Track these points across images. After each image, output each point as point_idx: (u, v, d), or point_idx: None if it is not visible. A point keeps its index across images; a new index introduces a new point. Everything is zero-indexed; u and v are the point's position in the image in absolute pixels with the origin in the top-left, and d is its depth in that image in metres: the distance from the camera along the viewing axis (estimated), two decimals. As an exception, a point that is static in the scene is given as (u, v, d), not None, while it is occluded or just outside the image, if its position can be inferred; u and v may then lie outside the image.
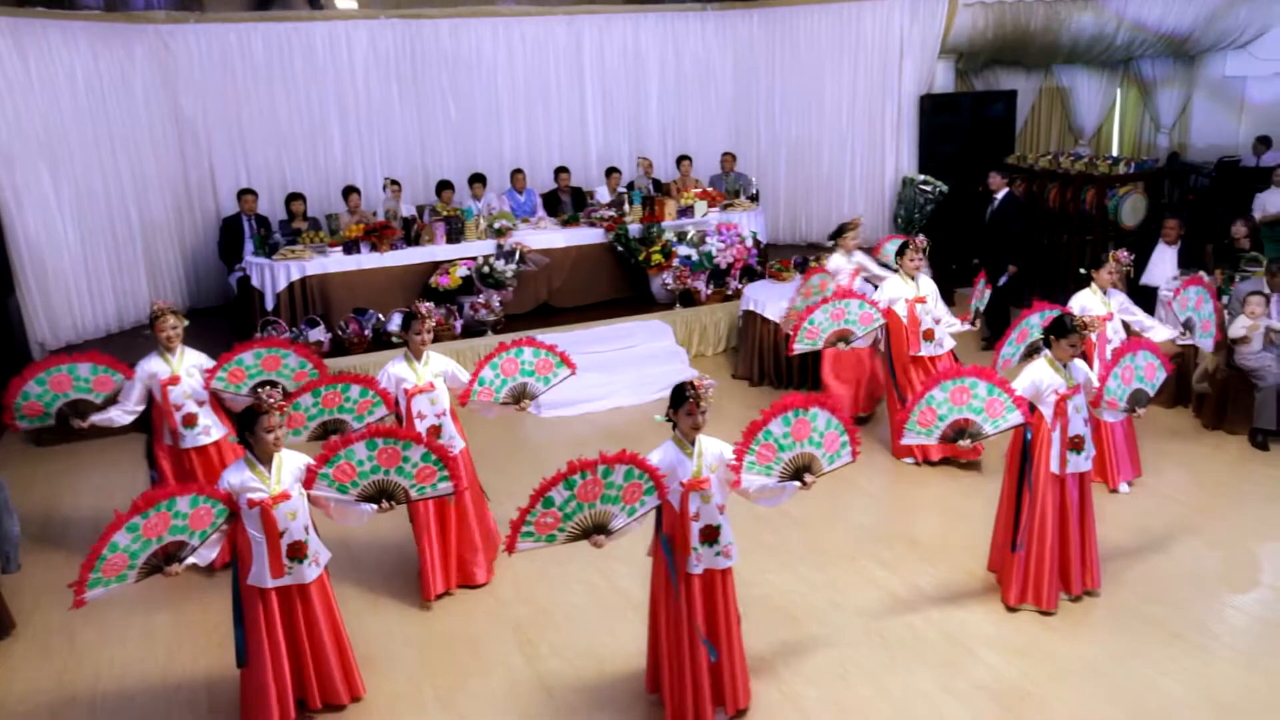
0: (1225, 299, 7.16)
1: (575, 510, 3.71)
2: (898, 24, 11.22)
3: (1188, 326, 6.24)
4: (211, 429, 5.54)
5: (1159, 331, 6.03)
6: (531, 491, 3.67)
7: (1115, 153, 13.18)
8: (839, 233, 7.63)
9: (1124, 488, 6.21)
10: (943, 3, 10.84)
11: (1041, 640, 4.70)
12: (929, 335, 6.55)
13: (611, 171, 10.89)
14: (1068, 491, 4.85)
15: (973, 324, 6.68)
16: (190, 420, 5.48)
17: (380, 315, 8.56)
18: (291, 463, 4.10)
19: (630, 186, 10.65)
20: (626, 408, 8.02)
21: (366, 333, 8.44)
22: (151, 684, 4.67)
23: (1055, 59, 12.36)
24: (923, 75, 11.29)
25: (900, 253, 6.62)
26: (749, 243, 9.72)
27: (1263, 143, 11.98)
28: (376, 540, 5.81)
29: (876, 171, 11.75)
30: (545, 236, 9.49)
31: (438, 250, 9.04)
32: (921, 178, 10.97)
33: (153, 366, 5.43)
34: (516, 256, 8.99)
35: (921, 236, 6.82)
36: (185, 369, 5.46)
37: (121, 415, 5.45)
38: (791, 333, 6.53)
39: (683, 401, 3.85)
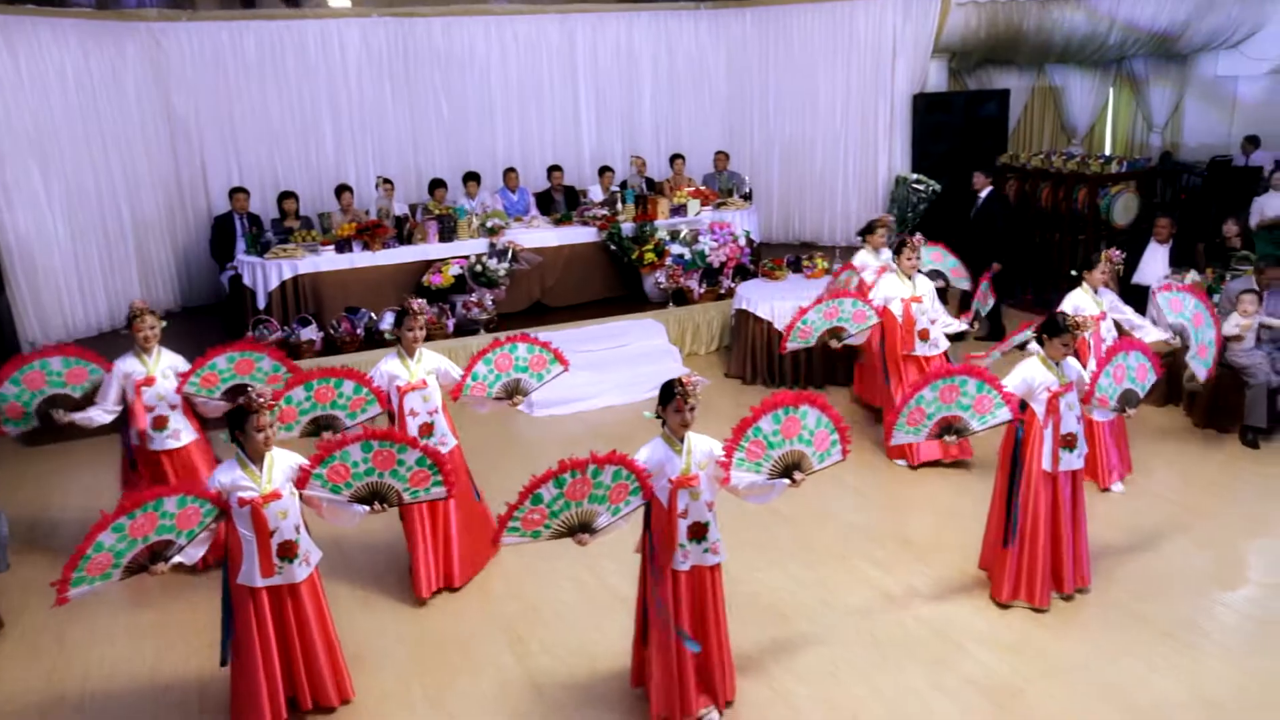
0: (1216, 298, 7.17)
1: (563, 508, 3.72)
2: (891, 23, 11.24)
3: (1179, 334, 6.05)
4: (181, 433, 5.50)
5: (1149, 332, 6.02)
6: (521, 488, 3.67)
7: (1108, 152, 13.21)
8: (868, 229, 7.64)
9: (1118, 487, 6.21)
10: (935, 2, 10.86)
11: (1033, 637, 4.71)
12: (924, 335, 6.54)
13: (605, 170, 10.88)
14: (1060, 489, 4.86)
15: (972, 326, 6.68)
16: (160, 423, 5.44)
17: (372, 314, 8.54)
18: (283, 462, 4.08)
19: (623, 185, 10.63)
20: (619, 406, 8.01)
21: (359, 331, 8.43)
22: (141, 683, 4.65)
23: (1047, 58, 12.38)
24: (916, 74, 11.31)
25: (897, 252, 6.62)
26: (742, 242, 9.72)
27: (1251, 142, 12.02)
28: (367, 539, 5.80)
29: (869, 170, 11.77)
30: (538, 235, 9.48)
31: (430, 249, 9.02)
32: (914, 177, 10.99)
33: (128, 366, 5.39)
34: (509, 255, 8.98)
35: (919, 235, 6.82)
36: (161, 370, 5.42)
37: (101, 415, 5.40)
38: (785, 331, 6.53)
39: (671, 399, 3.85)
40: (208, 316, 9.93)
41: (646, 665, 4.13)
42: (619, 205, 9.85)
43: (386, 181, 10.02)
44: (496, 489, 5.62)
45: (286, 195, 9.78)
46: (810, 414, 4.00)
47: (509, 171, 10.69)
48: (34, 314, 8.76)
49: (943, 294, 6.99)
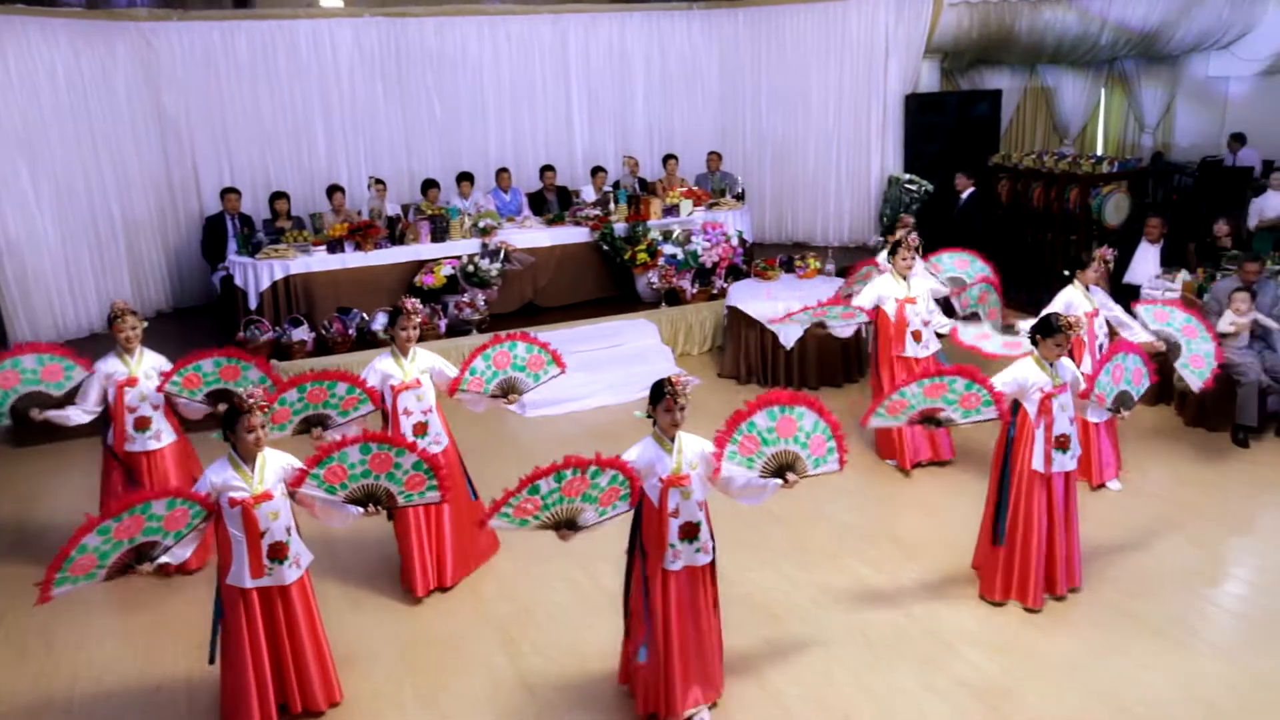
0: (1205, 297, 7.19)
1: (555, 502, 3.71)
2: (883, 23, 11.24)
3: (1166, 340, 5.84)
4: (163, 434, 5.47)
5: (1139, 333, 6.03)
6: (521, 477, 3.66)
7: (1099, 152, 13.24)
8: (888, 229, 7.65)
9: (1114, 484, 6.23)
10: (927, 2, 10.87)
11: (1024, 637, 4.71)
12: (916, 336, 6.53)
13: (597, 170, 10.87)
14: (1053, 490, 4.86)
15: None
16: (143, 424, 5.41)
17: (364, 314, 8.52)
18: (275, 462, 4.06)
19: (616, 185, 10.63)
20: (612, 406, 8.00)
21: (350, 332, 8.41)
22: (130, 685, 4.63)
23: (1039, 59, 12.41)
24: (908, 74, 11.32)
25: (892, 251, 6.62)
26: (734, 241, 9.72)
27: (1237, 139, 12.08)
28: (357, 538, 5.78)
29: (862, 171, 11.77)
30: (530, 235, 9.47)
31: (422, 249, 9.00)
32: (907, 177, 11.00)
33: (110, 367, 5.36)
34: (501, 255, 8.96)
35: (914, 235, 6.83)
36: (143, 371, 5.39)
37: (79, 414, 5.35)
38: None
39: (661, 398, 3.85)
40: (199, 317, 9.90)
41: (632, 662, 4.14)
42: (611, 205, 9.84)
43: (379, 182, 10.01)
44: (489, 489, 5.58)
45: (278, 195, 9.76)
46: (807, 416, 3.99)
47: (501, 172, 10.68)
48: (24, 315, 8.73)
49: (947, 306, 6.97)
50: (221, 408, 5.08)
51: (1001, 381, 4.75)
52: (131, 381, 5.36)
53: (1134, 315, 6.03)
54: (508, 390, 5.21)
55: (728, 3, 12.23)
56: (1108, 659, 4.51)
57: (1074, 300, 6.05)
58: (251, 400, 3.95)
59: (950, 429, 6.05)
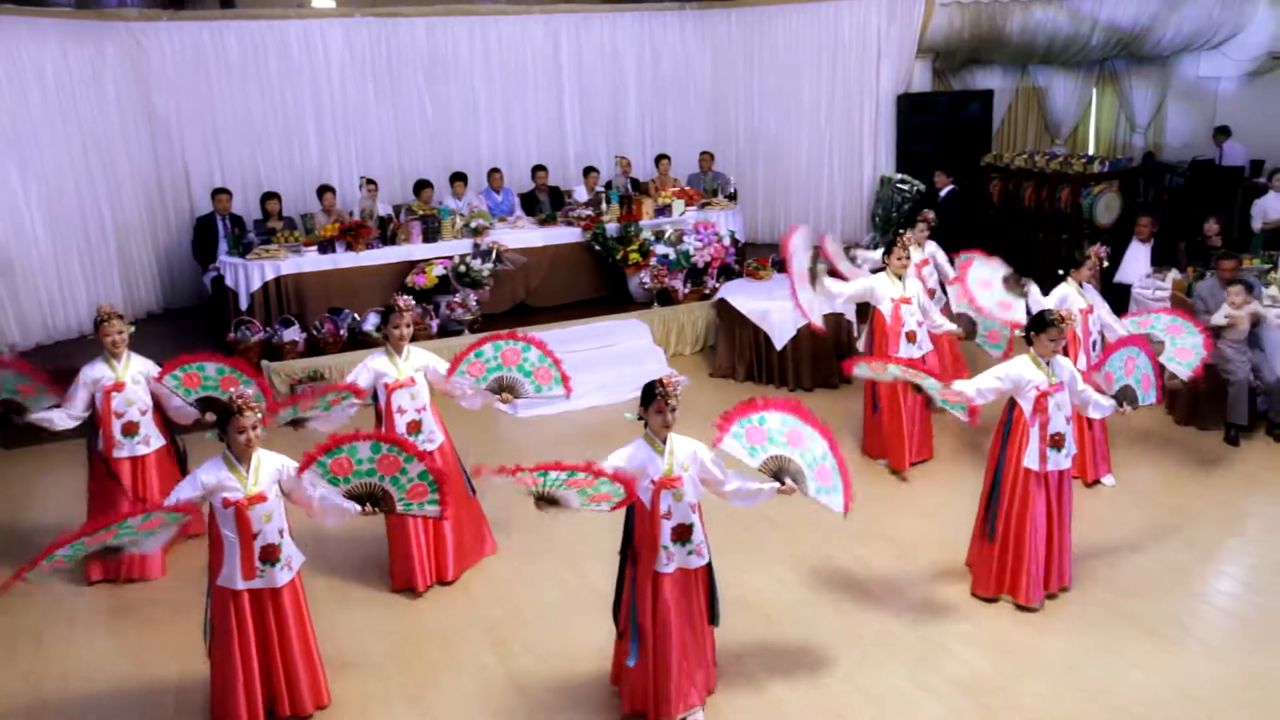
0: (1192, 297, 7.21)
1: (555, 486, 3.71)
2: (875, 24, 11.23)
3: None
4: (151, 439, 5.44)
5: (1120, 335, 6.04)
6: (543, 462, 3.67)
7: (1091, 152, 13.27)
8: (909, 224, 7.65)
9: (1108, 480, 6.26)
10: (919, 2, 10.87)
11: (1016, 636, 4.71)
12: (911, 337, 6.52)
13: (589, 170, 10.86)
14: (1048, 489, 4.85)
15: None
16: (131, 429, 5.37)
17: (356, 315, 8.50)
18: (270, 464, 4.05)
19: (608, 185, 10.61)
20: (604, 406, 7.99)
21: (342, 332, 8.38)
22: (120, 685, 4.60)
23: (1031, 59, 12.43)
24: (900, 75, 11.32)
25: (888, 251, 6.61)
26: (726, 241, 9.72)
27: (1222, 132, 12.13)
28: (350, 536, 5.75)
29: (854, 171, 11.77)
30: (522, 235, 9.46)
31: (414, 249, 8.98)
32: (899, 177, 11.00)
33: (97, 372, 5.31)
34: (493, 256, 8.95)
35: (909, 234, 6.84)
36: (131, 375, 5.35)
37: (64, 419, 5.27)
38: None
39: (652, 400, 3.84)
40: (190, 318, 9.85)
41: (623, 664, 4.13)
42: (604, 205, 9.83)
43: (370, 182, 9.98)
44: (483, 487, 5.63)
45: (269, 196, 9.72)
46: (820, 444, 4.03)
47: (493, 172, 10.66)
48: (13, 316, 8.67)
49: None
50: (209, 417, 5.12)
51: (995, 377, 4.75)
52: (119, 386, 5.32)
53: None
54: (505, 389, 5.19)
55: (720, 3, 12.22)
56: (1098, 657, 4.51)
57: (1069, 297, 6.08)
58: (241, 401, 3.92)
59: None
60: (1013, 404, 4.83)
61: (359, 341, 8.33)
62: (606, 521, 3.91)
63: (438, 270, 8.80)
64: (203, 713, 4.29)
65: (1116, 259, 8.15)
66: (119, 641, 4.97)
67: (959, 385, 4.82)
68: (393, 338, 5.14)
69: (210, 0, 10.98)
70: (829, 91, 11.75)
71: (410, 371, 5.14)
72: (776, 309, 8.23)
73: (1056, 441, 4.77)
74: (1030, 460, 4.79)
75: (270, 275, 8.50)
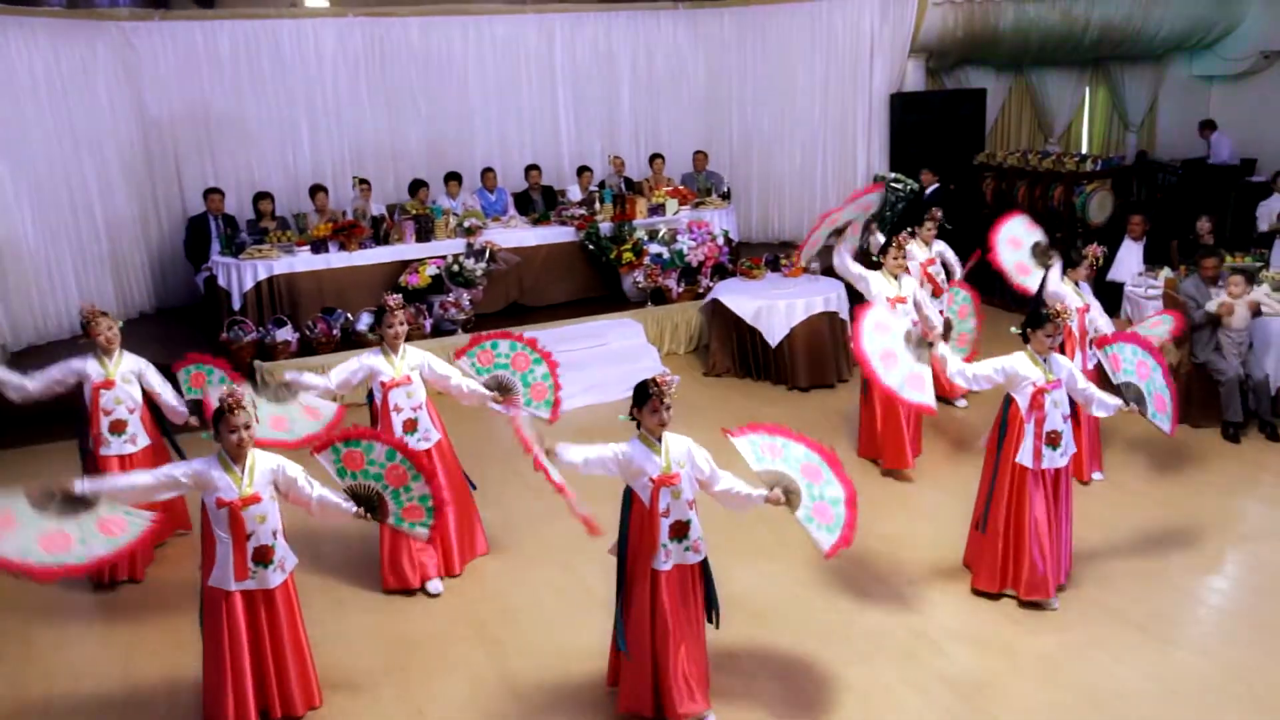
0: (1180, 295, 7.22)
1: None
2: (868, 23, 11.25)
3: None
4: (138, 437, 5.43)
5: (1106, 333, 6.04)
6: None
7: (1084, 151, 13.30)
8: (903, 224, 7.66)
9: (1097, 475, 6.27)
10: (912, 2, 10.88)
11: (1006, 633, 4.72)
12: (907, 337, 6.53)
13: (583, 170, 10.86)
14: (1045, 486, 4.84)
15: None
16: (118, 427, 5.35)
17: (349, 315, 8.48)
18: (265, 465, 4.03)
19: (602, 185, 10.62)
20: (598, 405, 7.96)
21: (335, 332, 8.36)
22: (109, 687, 4.59)
23: (1024, 58, 12.45)
24: (893, 74, 11.33)
25: (884, 250, 6.60)
26: (720, 241, 9.72)
27: (1208, 126, 12.17)
28: (343, 536, 5.75)
29: (848, 170, 11.77)
30: (516, 235, 9.45)
31: (407, 249, 8.97)
32: (893, 176, 10.97)
33: (87, 368, 5.29)
34: (486, 255, 8.94)
35: (905, 234, 6.84)
36: (121, 374, 5.34)
37: (25, 381, 5.15)
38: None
39: (647, 399, 3.83)
40: (182, 318, 9.83)
41: (619, 662, 4.14)
42: (597, 205, 9.82)
43: (363, 182, 9.97)
44: (480, 485, 5.71)
45: (262, 196, 9.71)
46: (837, 491, 4.07)
47: (487, 171, 10.65)
48: (4, 316, 8.64)
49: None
50: (193, 420, 5.18)
51: (992, 368, 4.75)
52: (108, 384, 5.31)
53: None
54: (500, 388, 5.21)
55: (714, 2, 12.22)
56: (1086, 653, 4.52)
57: (1065, 295, 6.08)
58: (230, 400, 3.91)
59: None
60: (1009, 400, 4.83)
61: (352, 341, 8.31)
62: (603, 522, 3.91)
63: (431, 270, 8.79)
64: (195, 714, 4.27)
65: (1109, 258, 8.16)
66: (108, 644, 4.96)
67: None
68: (388, 337, 5.16)
69: (188, 1, 10.93)
70: (822, 91, 11.76)
71: (406, 370, 5.16)
72: (770, 308, 8.23)
73: (1052, 439, 4.75)
74: (1024, 457, 4.78)
75: (263, 275, 8.49)
